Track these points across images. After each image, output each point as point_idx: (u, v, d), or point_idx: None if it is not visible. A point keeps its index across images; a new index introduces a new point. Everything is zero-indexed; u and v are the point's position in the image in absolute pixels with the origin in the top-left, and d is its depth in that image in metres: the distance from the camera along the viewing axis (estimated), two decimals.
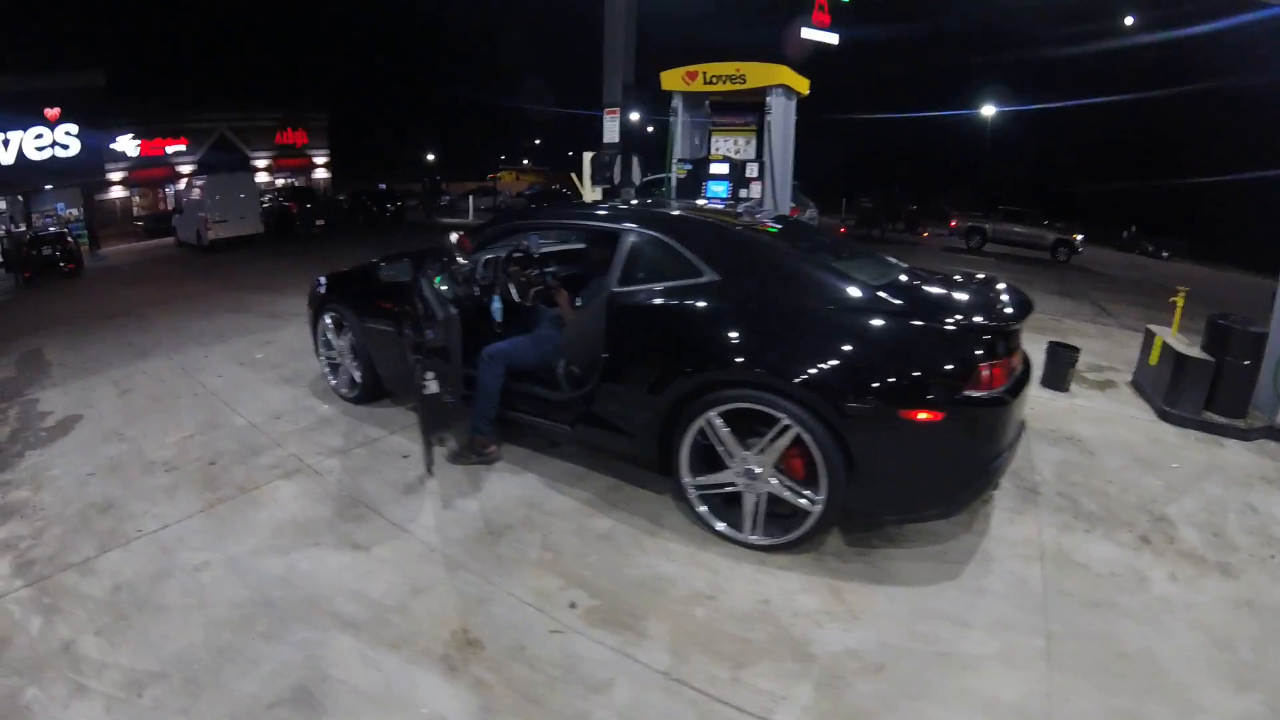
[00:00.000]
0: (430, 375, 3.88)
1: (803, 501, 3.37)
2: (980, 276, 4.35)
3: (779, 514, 3.51)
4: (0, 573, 3.55)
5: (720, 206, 8.93)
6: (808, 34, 14.98)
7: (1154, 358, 6.05)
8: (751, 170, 9.39)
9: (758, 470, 3.43)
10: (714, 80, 9.28)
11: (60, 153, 27.96)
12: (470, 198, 37.06)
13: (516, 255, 4.67)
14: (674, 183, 9.92)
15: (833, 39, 15.12)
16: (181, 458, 4.80)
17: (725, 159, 9.61)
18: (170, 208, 31.92)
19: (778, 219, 4.85)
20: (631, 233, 4.01)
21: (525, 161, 66.33)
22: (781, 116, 9.25)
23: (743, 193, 9.42)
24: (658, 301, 3.77)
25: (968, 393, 3.11)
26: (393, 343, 4.78)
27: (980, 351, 3.16)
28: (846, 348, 3.30)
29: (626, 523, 3.87)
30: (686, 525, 3.80)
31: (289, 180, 38.42)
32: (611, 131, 10.41)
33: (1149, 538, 3.81)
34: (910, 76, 47.33)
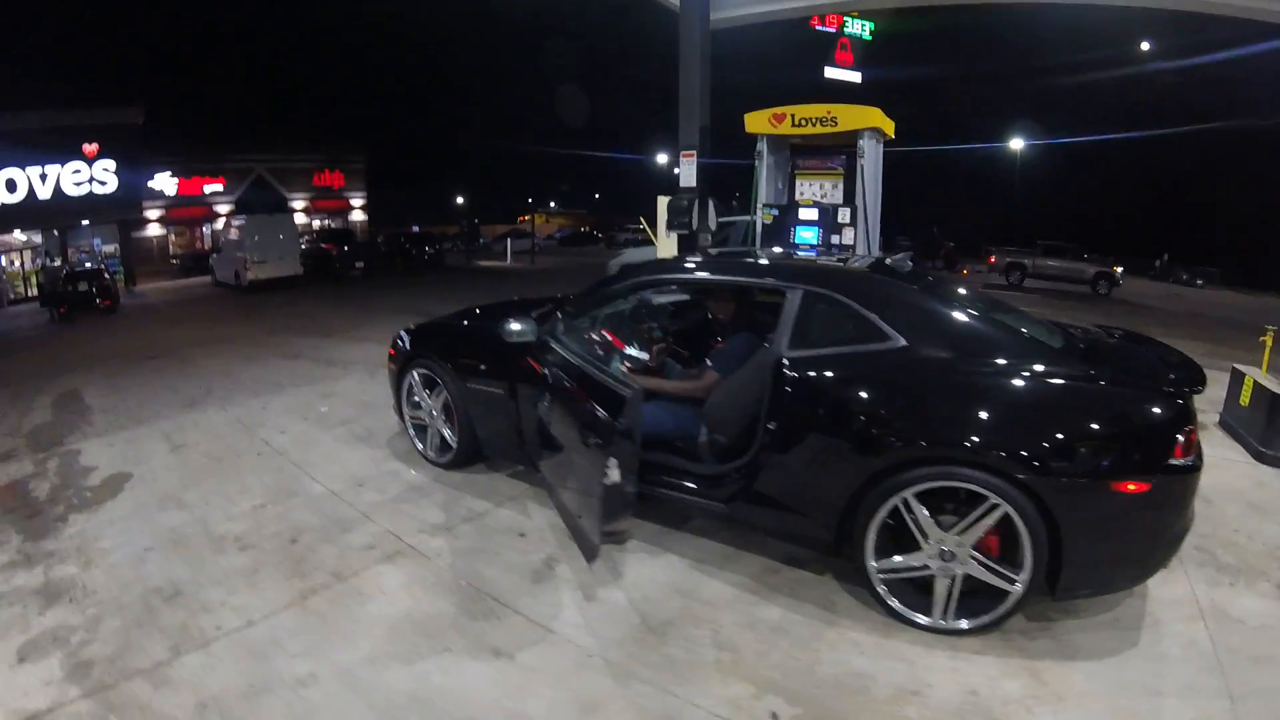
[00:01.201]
0: (614, 462, 3.22)
1: (1001, 581, 3.07)
2: (1125, 331, 4.32)
3: (966, 593, 3.20)
4: (50, 675, 2.90)
5: (814, 254, 8.46)
6: (831, 73, 14.76)
7: (1245, 398, 5.90)
8: (843, 215, 8.83)
9: (955, 551, 3.10)
10: (803, 123, 8.79)
11: (98, 189, 28.03)
12: (508, 240, 36.79)
13: (644, 312, 4.35)
14: (758, 228, 9.34)
15: (855, 77, 14.85)
16: (255, 532, 4.12)
17: (815, 204, 9.04)
18: (207, 247, 31.85)
19: (897, 266, 4.37)
20: (803, 291, 3.62)
21: (552, 204, 66.84)
22: (873, 160, 8.77)
23: (834, 238, 8.86)
24: (842, 369, 3.41)
25: (1172, 460, 2.94)
26: (502, 408, 4.37)
27: (1183, 417, 3.02)
28: (1058, 418, 3.07)
29: (797, 610, 3.38)
30: (862, 610, 3.36)
31: (326, 222, 38.40)
32: (688, 175, 9.97)
33: None
34: (942, 113, 47.62)
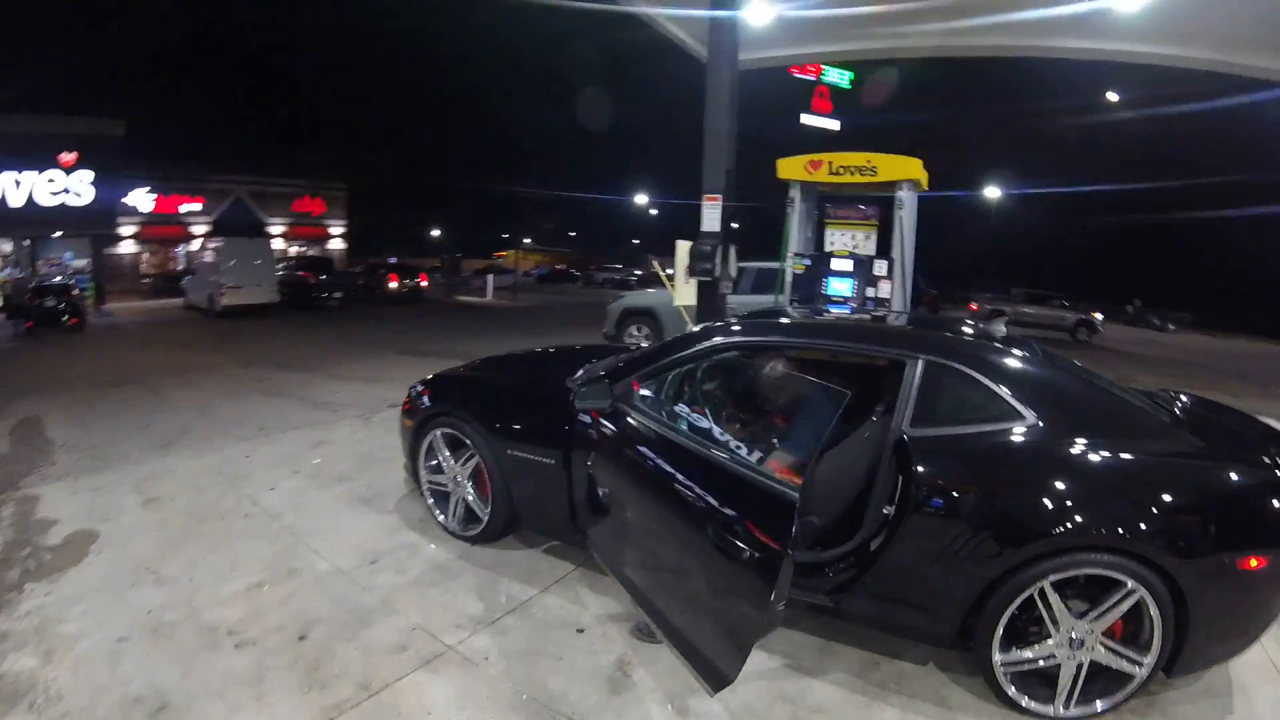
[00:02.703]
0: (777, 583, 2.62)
1: (1127, 664, 2.95)
2: (1194, 396, 4.31)
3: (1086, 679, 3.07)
4: None
5: (848, 309, 8.01)
6: (808, 120, 14.55)
7: None
8: (880, 268, 8.39)
9: (1085, 639, 2.93)
10: (840, 170, 8.46)
11: (73, 200, 27.13)
12: (490, 276, 36.21)
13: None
14: (788, 278, 8.84)
15: (834, 125, 14.62)
16: (255, 622, 3.39)
17: (850, 255, 8.56)
18: (180, 268, 30.86)
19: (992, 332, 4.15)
20: (924, 362, 3.34)
21: (527, 241, 66.67)
22: (910, 212, 8.42)
23: (869, 291, 8.40)
24: (976, 450, 3.15)
25: None
26: (552, 479, 3.80)
27: None
28: (1190, 497, 2.98)
29: (914, 710, 3.06)
30: (977, 704, 3.10)
31: (304, 248, 37.63)
32: (712, 220, 9.38)
33: None
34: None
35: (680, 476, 2.97)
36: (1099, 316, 25.59)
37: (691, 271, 9.15)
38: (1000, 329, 4.22)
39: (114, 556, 4.10)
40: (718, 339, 3.79)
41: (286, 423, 7.24)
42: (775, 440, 3.77)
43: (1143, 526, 2.85)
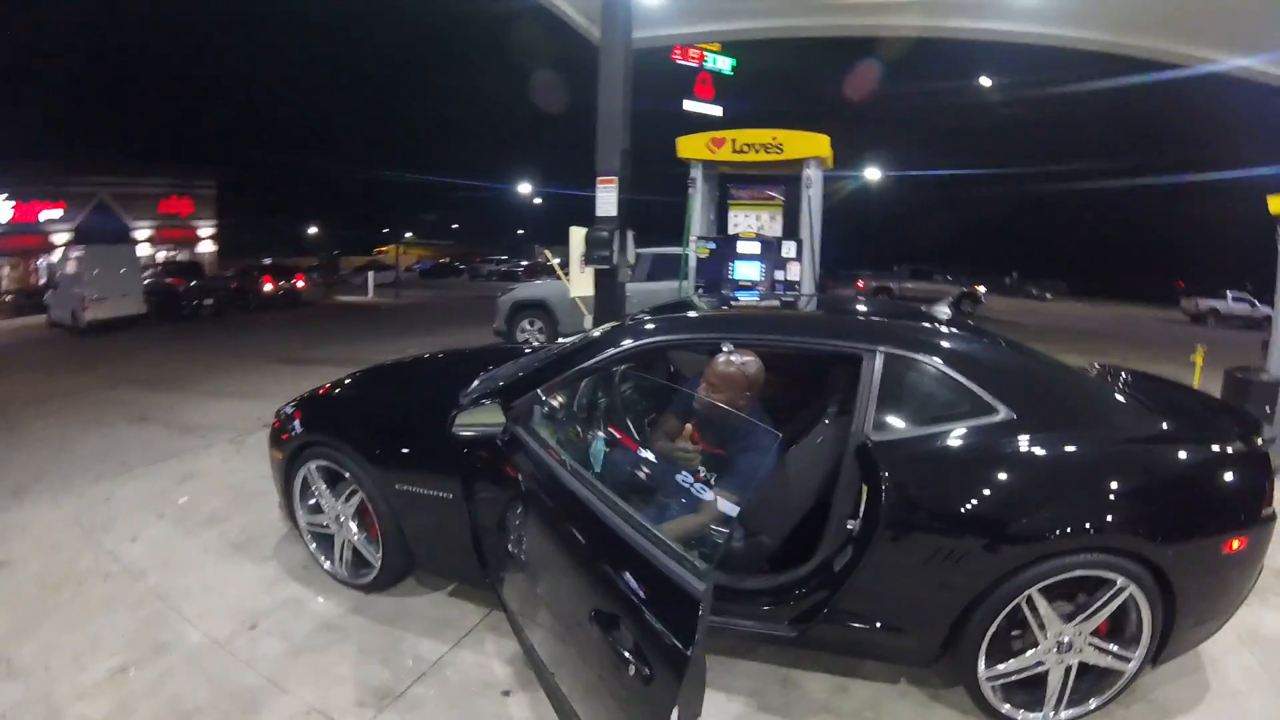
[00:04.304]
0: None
1: (1116, 661, 2.85)
2: (1134, 372, 4.17)
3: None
4: None
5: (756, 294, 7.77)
6: (690, 106, 14.49)
7: None
8: (789, 249, 8.19)
9: (1073, 641, 2.80)
10: (745, 149, 8.25)
11: None
12: (370, 273, 35.06)
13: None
14: (692, 263, 8.53)
15: (716, 111, 14.58)
16: (124, 718, 2.85)
17: (758, 237, 8.32)
18: (43, 282, 28.61)
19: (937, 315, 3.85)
20: (882, 355, 3.02)
21: (409, 235, 65.35)
22: (818, 190, 8.26)
23: (778, 274, 8.22)
24: (949, 452, 2.89)
25: (1264, 511, 2.85)
26: (451, 515, 3.29)
27: (1267, 466, 2.94)
28: (1172, 484, 2.92)
29: None
30: (961, 718, 2.97)
31: (172, 253, 35.66)
32: (607, 204, 8.95)
33: None
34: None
35: (575, 534, 2.45)
36: (982, 289, 26.34)
37: (588, 260, 8.75)
38: (944, 311, 3.96)
39: None
40: (628, 341, 3.35)
41: (152, 454, 6.53)
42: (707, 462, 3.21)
43: (1132, 521, 2.73)
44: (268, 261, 35.75)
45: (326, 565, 3.92)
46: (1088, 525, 2.70)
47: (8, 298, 28.98)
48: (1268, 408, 6.19)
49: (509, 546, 2.94)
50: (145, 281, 22.11)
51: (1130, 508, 2.77)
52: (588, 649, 2.25)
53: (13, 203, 30.08)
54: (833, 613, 2.86)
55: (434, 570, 3.78)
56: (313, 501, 3.89)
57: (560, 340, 4.67)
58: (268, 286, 26.76)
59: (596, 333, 3.75)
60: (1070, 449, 2.91)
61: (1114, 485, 2.80)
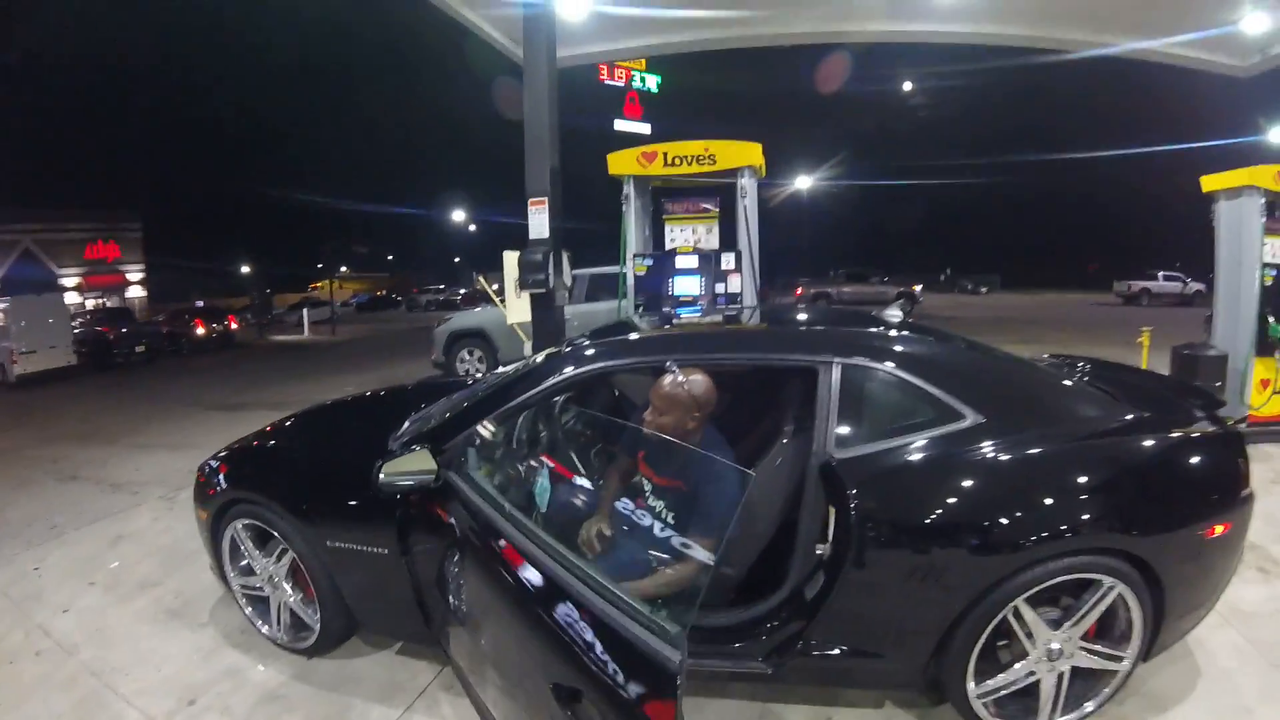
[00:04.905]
0: None
1: (1109, 662, 2.80)
2: (1092, 360, 4.14)
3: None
4: None
5: (698, 309, 7.62)
6: (621, 125, 14.56)
7: None
8: (727, 261, 8.04)
9: (1064, 648, 2.72)
10: (677, 161, 8.04)
11: None
12: (305, 310, 34.29)
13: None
14: (630, 281, 8.35)
15: (645, 129, 14.65)
16: None
17: (695, 250, 8.17)
18: None
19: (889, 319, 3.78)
20: (839, 366, 2.90)
21: (344, 269, 64.44)
22: (753, 199, 8.12)
23: (719, 287, 8.02)
24: (919, 464, 2.76)
25: (1243, 493, 2.82)
26: (391, 573, 3.03)
27: (1241, 446, 2.91)
28: (1152, 475, 2.85)
29: None
30: None
31: (101, 300, 34.51)
32: (539, 226, 8.74)
33: (1264, 568, 4.14)
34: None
35: (520, 588, 2.21)
36: (919, 288, 26.80)
37: (523, 284, 8.52)
38: (896, 313, 3.85)
39: None
40: (568, 369, 3.13)
41: (82, 515, 6.13)
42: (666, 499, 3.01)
43: (1114, 518, 2.68)
44: (200, 304, 34.89)
45: (264, 630, 3.64)
46: (1070, 527, 2.62)
47: None
48: (1218, 382, 6.32)
49: (450, 600, 2.70)
50: (75, 331, 21.45)
51: (1112, 504, 2.70)
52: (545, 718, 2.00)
53: None
54: (809, 644, 2.76)
55: (378, 629, 3.52)
56: (244, 563, 3.62)
57: (498, 370, 4.43)
58: (200, 330, 26.07)
59: (534, 361, 3.53)
60: (1044, 449, 2.82)
61: (1092, 483, 2.73)
